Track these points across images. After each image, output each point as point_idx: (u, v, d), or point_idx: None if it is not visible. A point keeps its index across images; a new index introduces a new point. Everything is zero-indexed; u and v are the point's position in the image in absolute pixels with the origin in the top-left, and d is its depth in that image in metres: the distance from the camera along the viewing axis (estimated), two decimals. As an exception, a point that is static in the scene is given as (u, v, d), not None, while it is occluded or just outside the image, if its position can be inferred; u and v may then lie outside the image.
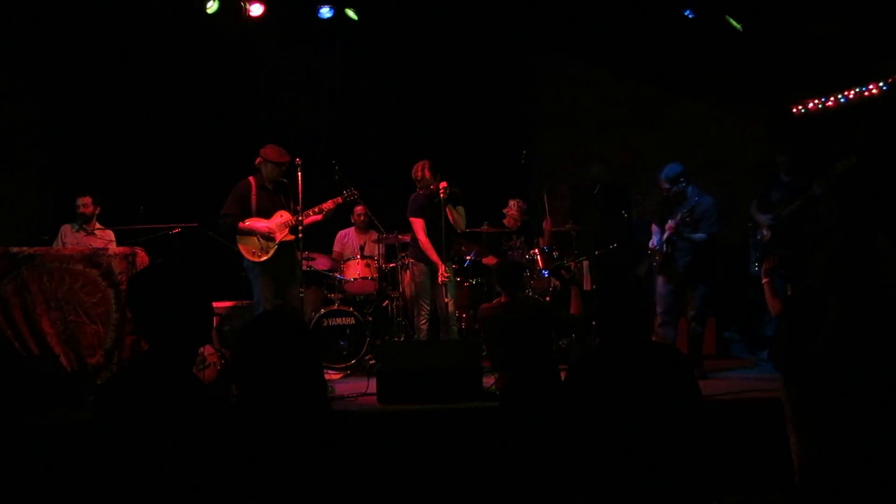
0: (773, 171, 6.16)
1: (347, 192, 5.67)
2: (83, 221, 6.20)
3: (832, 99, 6.94)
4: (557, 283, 6.33)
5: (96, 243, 5.98)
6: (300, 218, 5.23)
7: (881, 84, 6.46)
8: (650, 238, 5.83)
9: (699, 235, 5.49)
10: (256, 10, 6.50)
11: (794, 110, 7.35)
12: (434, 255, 5.58)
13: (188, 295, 1.95)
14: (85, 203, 6.19)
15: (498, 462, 4.30)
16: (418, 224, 5.67)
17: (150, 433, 1.77)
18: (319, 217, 5.57)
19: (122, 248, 4.95)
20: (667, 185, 5.60)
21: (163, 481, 1.75)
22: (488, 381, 4.79)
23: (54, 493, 3.66)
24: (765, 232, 5.93)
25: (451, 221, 5.60)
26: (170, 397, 1.82)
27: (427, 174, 5.54)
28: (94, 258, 4.75)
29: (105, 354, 4.70)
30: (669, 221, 5.52)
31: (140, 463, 1.77)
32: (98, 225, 6.26)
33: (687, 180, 5.59)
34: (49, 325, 4.67)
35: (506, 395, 4.15)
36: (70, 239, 6.11)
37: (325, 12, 6.74)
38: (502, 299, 4.26)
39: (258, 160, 5.44)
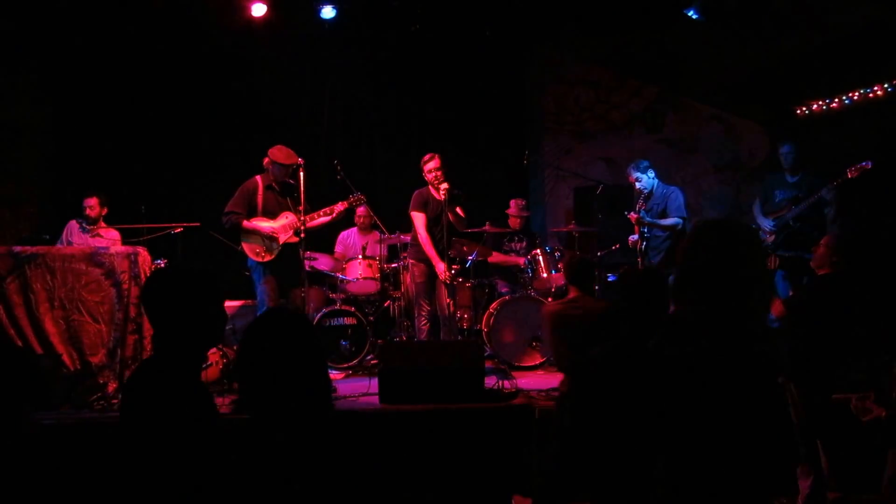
0: (777, 172, 6.13)
1: (354, 198, 5.68)
2: (89, 223, 6.19)
3: (837, 101, 6.91)
4: (560, 283, 6.32)
5: (101, 244, 6.00)
6: (304, 218, 5.23)
7: (886, 86, 6.43)
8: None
9: (669, 221, 5.60)
10: (259, 10, 6.52)
11: (798, 111, 7.33)
12: (433, 251, 5.58)
13: (202, 298, 1.98)
14: (91, 205, 6.18)
15: (503, 461, 4.30)
16: (419, 219, 5.67)
17: (166, 434, 1.79)
18: (327, 219, 5.57)
19: (124, 248, 4.95)
20: (636, 174, 5.71)
21: (173, 483, 1.77)
22: (489, 381, 4.79)
23: (58, 492, 3.67)
24: (766, 235, 5.90)
25: (452, 221, 5.61)
26: (185, 401, 1.84)
27: (437, 162, 5.57)
28: (96, 257, 4.76)
29: (108, 353, 4.70)
30: (631, 214, 5.64)
31: (157, 466, 1.79)
32: (103, 225, 6.26)
33: (654, 173, 5.74)
34: (52, 324, 4.67)
35: (568, 398, 3.79)
36: (76, 238, 6.13)
37: (328, 12, 6.75)
38: (571, 296, 4.05)
39: (266, 160, 5.45)
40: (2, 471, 2.51)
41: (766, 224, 5.88)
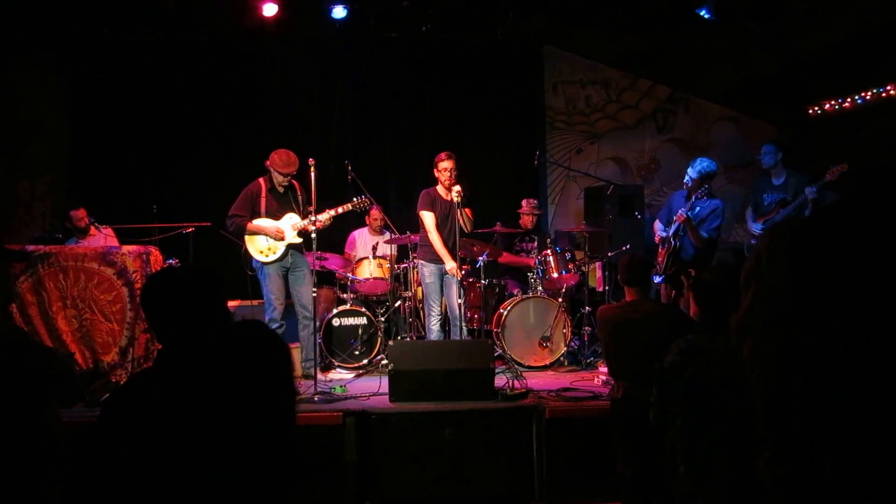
0: (763, 176, 6.08)
1: (359, 200, 5.68)
2: (80, 233, 6.18)
3: (849, 100, 6.86)
4: (571, 283, 6.31)
5: (99, 241, 6.00)
6: (314, 218, 5.24)
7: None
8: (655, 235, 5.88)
9: (703, 234, 5.49)
10: (270, 10, 6.54)
11: (811, 111, 7.27)
12: (443, 249, 5.60)
13: (198, 298, 1.94)
14: (80, 216, 6.20)
15: (512, 460, 4.29)
16: (429, 218, 5.67)
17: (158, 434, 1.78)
18: (319, 226, 5.56)
19: (136, 247, 4.98)
20: (695, 177, 5.52)
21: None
22: (500, 380, 4.79)
23: (69, 491, 3.69)
24: (756, 240, 5.85)
25: (460, 222, 5.61)
26: (180, 399, 1.82)
27: (452, 163, 5.57)
28: (108, 256, 4.79)
29: (120, 352, 4.74)
30: (680, 212, 5.50)
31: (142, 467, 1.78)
32: (94, 226, 6.23)
33: (712, 182, 5.60)
34: (65, 322, 4.71)
35: (624, 403, 3.59)
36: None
37: (339, 12, 6.75)
38: (627, 299, 3.81)
39: (268, 162, 5.48)
40: (32, 470, 2.52)
41: (756, 228, 5.84)
